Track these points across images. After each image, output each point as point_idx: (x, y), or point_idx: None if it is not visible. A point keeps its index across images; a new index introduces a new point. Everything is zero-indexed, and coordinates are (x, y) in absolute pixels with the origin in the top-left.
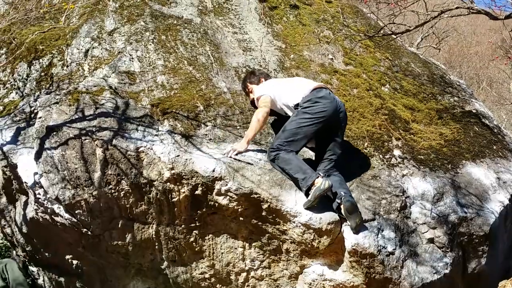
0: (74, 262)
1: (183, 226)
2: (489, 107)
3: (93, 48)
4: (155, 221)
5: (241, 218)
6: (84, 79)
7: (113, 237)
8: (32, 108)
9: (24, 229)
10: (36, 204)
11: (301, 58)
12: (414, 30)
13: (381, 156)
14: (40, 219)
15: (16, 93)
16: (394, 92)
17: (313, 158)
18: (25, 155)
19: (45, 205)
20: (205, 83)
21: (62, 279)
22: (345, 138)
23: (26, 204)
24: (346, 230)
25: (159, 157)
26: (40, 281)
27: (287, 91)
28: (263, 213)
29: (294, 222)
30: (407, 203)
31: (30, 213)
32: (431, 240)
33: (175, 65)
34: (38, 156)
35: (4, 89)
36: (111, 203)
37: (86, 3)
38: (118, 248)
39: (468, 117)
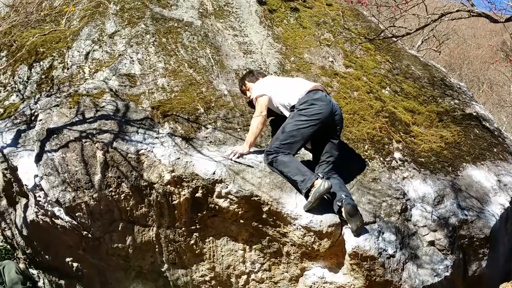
0: (74, 264)
1: (183, 228)
2: (490, 110)
3: (93, 50)
4: (156, 224)
5: (241, 221)
6: (84, 82)
7: (114, 239)
8: (33, 111)
9: (24, 232)
10: (36, 206)
11: (302, 60)
12: (415, 33)
13: (381, 158)
14: (41, 222)
15: (17, 95)
16: (394, 94)
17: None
18: (25, 158)
19: (46, 208)
20: (205, 85)
21: (62, 281)
22: (345, 141)
23: (26, 206)
24: (347, 232)
25: (160, 159)
26: (40, 284)
27: (283, 91)
28: (264, 216)
29: (294, 224)
30: (408, 206)
31: (31, 215)
32: (431, 243)
33: (176, 68)
34: (38, 158)
35: (4, 92)
36: (111, 205)
37: (87, 6)
38: (118, 250)
39: (468, 120)
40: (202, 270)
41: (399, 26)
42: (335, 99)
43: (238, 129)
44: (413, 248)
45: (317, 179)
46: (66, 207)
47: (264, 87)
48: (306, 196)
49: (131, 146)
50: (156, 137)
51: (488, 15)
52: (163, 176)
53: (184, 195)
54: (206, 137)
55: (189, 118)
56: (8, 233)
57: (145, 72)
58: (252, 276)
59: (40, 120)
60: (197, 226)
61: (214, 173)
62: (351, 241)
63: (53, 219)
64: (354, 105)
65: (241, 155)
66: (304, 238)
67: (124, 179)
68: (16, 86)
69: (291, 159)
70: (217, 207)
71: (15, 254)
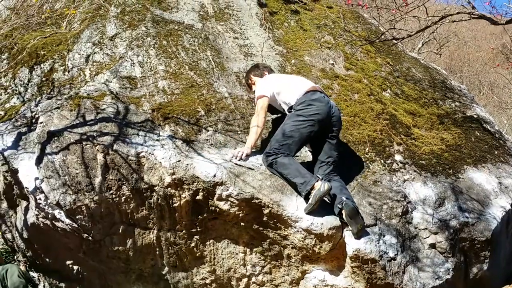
0: (75, 267)
1: (184, 231)
2: (490, 112)
3: (94, 53)
4: (156, 227)
5: (242, 224)
6: (85, 84)
7: (114, 242)
8: (33, 113)
9: (25, 234)
10: (37, 209)
11: (302, 63)
12: (415, 35)
13: (382, 161)
14: (41, 224)
15: (18, 98)
16: (395, 97)
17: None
18: (26, 160)
19: (46, 210)
20: (206, 88)
21: (62, 284)
22: (346, 143)
23: (27, 209)
24: (348, 235)
25: (160, 162)
26: (40, 287)
27: (285, 89)
28: (264, 219)
29: (295, 227)
30: (409, 209)
31: (31, 218)
32: (432, 246)
33: (176, 70)
34: (39, 161)
35: (5, 94)
36: (112, 208)
37: (88, 9)
38: (118, 253)
39: (469, 122)
40: (202, 273)
41: (399, 28)
42: (336, 102)
43: (239, 132)
44: (414, 251)
45: (317, 181)
46: (66, 210)
47: (267, 86)
48: (306, 199)
49: (131, 149)
50: (157, 140)
51: (488, 17)
52: (164, 179)
53: (185, 197)
54: (207, 140)
55: (190, 121)
56: (9, 235)
57: (146, 74)
58: (253, 279)
59: (41, 122)
60: (198, 229)
61: (214, 176)
62: (352, 244)
63: (53, 221)
64: (355, 107)
65: (247, 156)
66: (305, 240)
67: (124, 182)
68: (17, 88)
69: (291, 161)
70: (217, 209)
71: (16, 257)
